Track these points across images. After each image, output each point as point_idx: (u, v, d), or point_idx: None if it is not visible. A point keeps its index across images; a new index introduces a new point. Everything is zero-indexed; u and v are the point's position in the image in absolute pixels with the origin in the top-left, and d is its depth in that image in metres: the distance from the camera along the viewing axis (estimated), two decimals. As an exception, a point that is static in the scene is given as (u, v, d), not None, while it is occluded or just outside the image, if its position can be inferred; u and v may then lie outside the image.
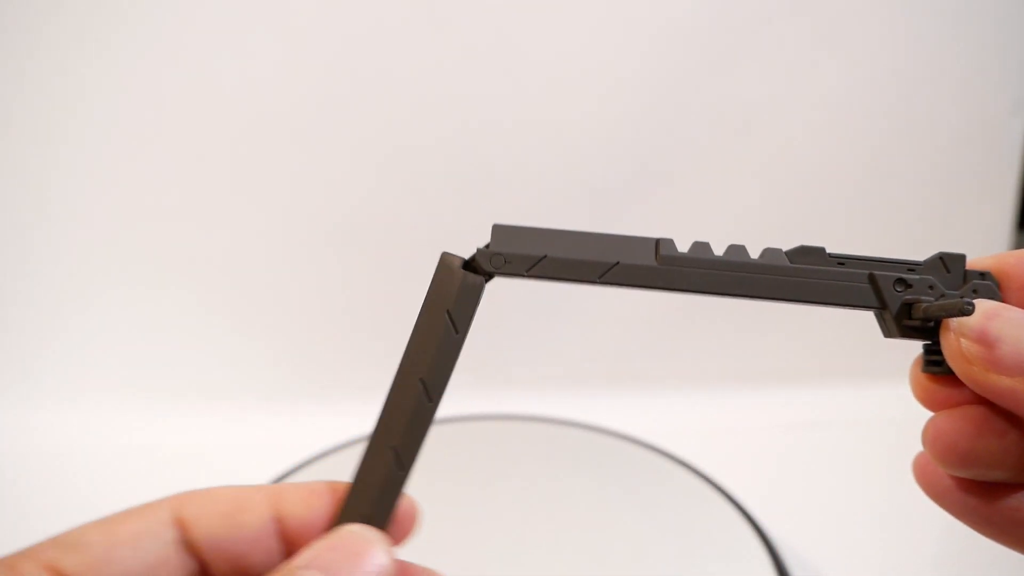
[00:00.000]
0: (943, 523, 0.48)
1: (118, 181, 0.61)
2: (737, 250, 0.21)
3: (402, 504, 0.21)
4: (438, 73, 0.60)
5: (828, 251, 0.21)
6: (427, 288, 0.21)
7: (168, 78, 0.59)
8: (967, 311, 0.19)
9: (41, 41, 0.57)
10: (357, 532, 0.19)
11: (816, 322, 0.65)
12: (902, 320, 0.21)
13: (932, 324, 0.21)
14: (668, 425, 0.57)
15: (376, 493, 0.20)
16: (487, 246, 0.21)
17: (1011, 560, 0.46)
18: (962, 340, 0.19)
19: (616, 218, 0.64)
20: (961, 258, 0.21)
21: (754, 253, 0.21)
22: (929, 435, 0.20)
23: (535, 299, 0.65)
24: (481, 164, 0.62)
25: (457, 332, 0.21)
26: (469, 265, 0.21)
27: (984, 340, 0.19)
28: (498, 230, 0.21)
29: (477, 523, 0.46)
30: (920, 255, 0.22)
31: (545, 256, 0.21)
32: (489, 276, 0.21)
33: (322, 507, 0.20)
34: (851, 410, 0.62)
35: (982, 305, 0.19)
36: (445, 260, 0.21)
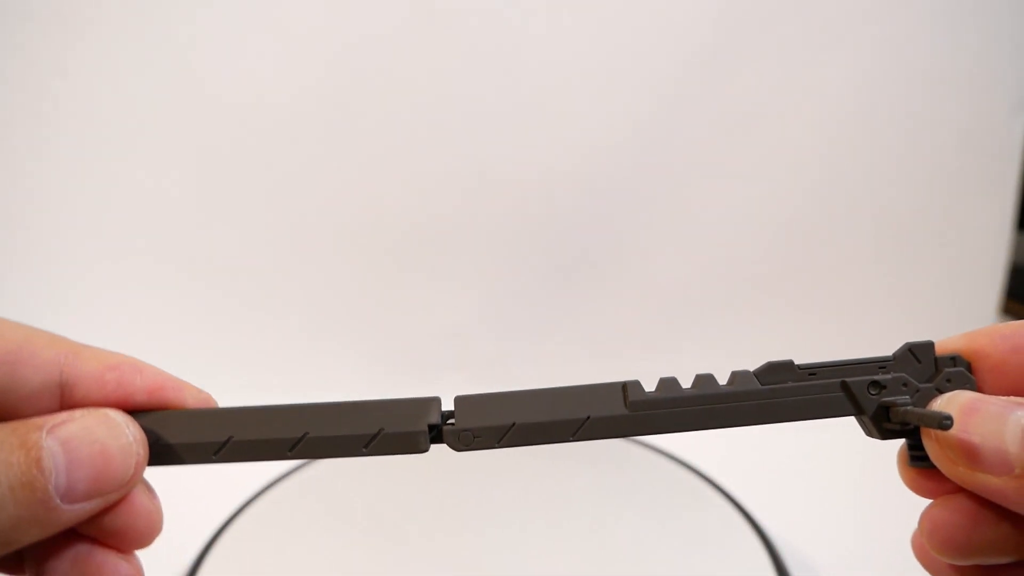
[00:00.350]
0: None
1: (118, 181, 0.61)
2: (706, 380, 0.21)
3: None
4: (438, 73, 0.60)
5: (797, 363, 0.21)
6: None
7: (169, 78, 0.59)
8: (945, 426, 0.19)
9: (42, 41, 0.57)
10: (115, 425, 0.18)
11: (817, 321, 0.65)
12: (881, 423, 0.21)
13: (911, 426, 0.21)
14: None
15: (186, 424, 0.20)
16: (451, 419, 0.21)
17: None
18: (942, 444, 0.19)
19: (616, 219, 0.64)
20: (929, 346, 0.21)
21: (722, 376, 0.21)
22: (926, 528, 0.20)
23: (535, 298, 0.65)
24: (481, 164, 0.62)
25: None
26: (436, 432, 0.21)
27: (964, 445, 0.19)
28: (461, 402, 0.21)
29: (477, 523, 0.46)
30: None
31: (514, 424, 0.21)
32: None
33: (113, 382, 0.19)
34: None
35: (958, 399, 0.19)
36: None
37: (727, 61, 0.61)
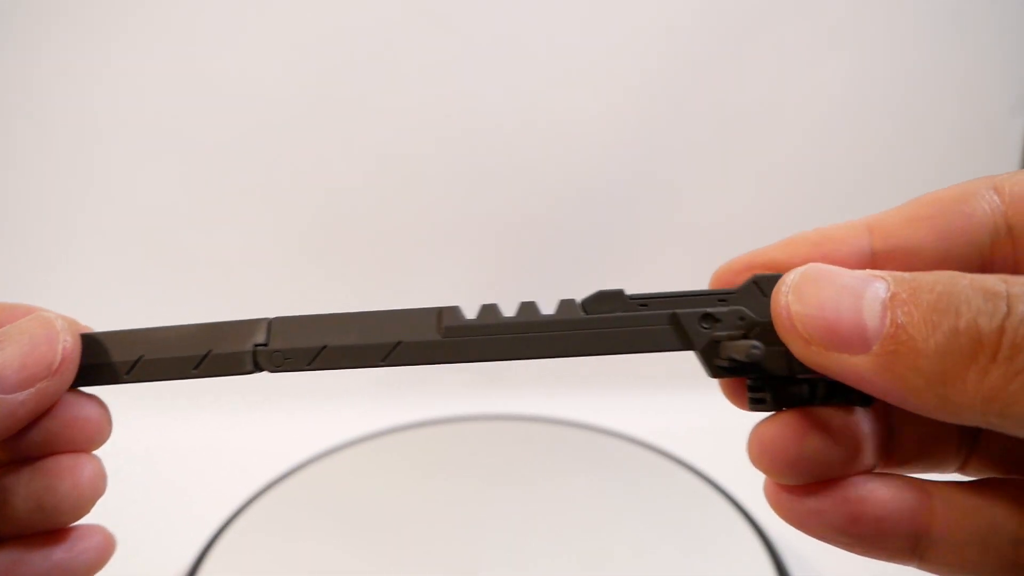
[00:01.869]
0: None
1: (119, 182, 0.61)
2: (528, 308, 0.20)
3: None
4: (437, 72, 0.60)
5: (628, 293, 0.20)
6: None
7: (171, 79, 0.59)
8: (753, 355, 0.18)
9: (42, 42, 0.57)
10: (44, 316, 0.19)
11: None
12: (712, 360, 0.19)
13: (740, 363, 0.19)
14: (668, 425, 0.57)
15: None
16: (265, 343, 0.20)
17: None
18: (795, 321, 0.17)
19: (616, 219, 0.64)
20: (777, 279, 0.19)
21: (554, 304, 0.20)
22: (754, 448, 0.19)
23: (535, 299, 0.65)
24: (480, 164, 0.62)
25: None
26: (255, 360, 0.20)
27: (817, 322, 0.17)
28: (277, 323, 0.21)
29: (477, 523, 0.46)
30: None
31: (325, 347, 0.20)
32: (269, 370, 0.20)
33: None
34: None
35: (810, 272, 0.17)
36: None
37: (726, 61, 0.61)
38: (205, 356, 0.20)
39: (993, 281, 0.15)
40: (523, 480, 0.51)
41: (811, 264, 0.18)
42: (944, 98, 0.64)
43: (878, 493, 0.18)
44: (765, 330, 0.19)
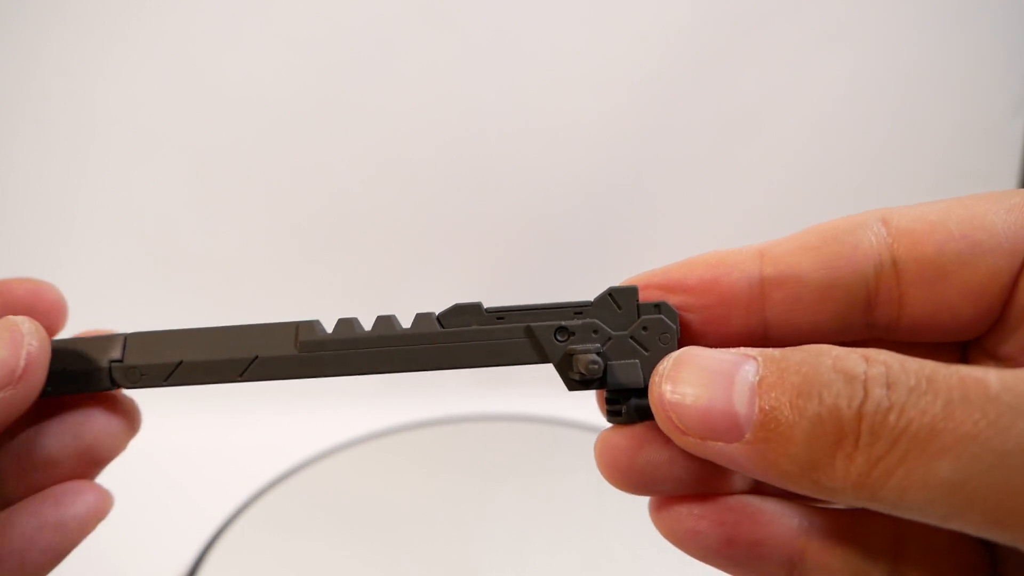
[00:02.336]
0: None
1: (119, 182, 0.61)
2: (384, 322, 0.20)
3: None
4: (437, 72, 0.60)
5: (486, 306, 0.20)
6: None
7: (171, 80, 0.59)
8: (592, 370, 0.18)
9: (45, 42, 0.57)
10: (9, 320, 0.18)
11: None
12: (567, 373, 0.20)
13: (596, 378, 0.19)
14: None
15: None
16: (120, 359, 0.20)
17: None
18: (670, 413, 0.17)
19: (615, 218, 0.64)
20: (632, 291, 0.20)
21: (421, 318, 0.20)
22: (596, 456, 0.19)
23: (534, 299, 0.65)
24: (481, 165, 0.62)
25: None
26: (111, 375, 0.20)
27: (694, 412, 0.16)
28: (132, 339, 0.20)
29: (477, 523, 0.46)
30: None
31: (181, 362, 0.20)
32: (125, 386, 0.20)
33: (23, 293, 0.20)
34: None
35: (681, 356, 0.17)
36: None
37: (726, 61, 0.61)
38: (60, 372, 0.20)
39: (854, 361, 0.15)
40: (523, 480, 0.51)
41: (684, 349, 0.18)
42: (944, 98, 0.64)
43: (756, 514, 0.18)
44: (618, 343, 0.19)
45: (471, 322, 0.20)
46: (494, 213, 0.63)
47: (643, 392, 0.19)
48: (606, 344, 0.19)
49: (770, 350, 0.16)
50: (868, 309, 0.19)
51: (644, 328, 0.19)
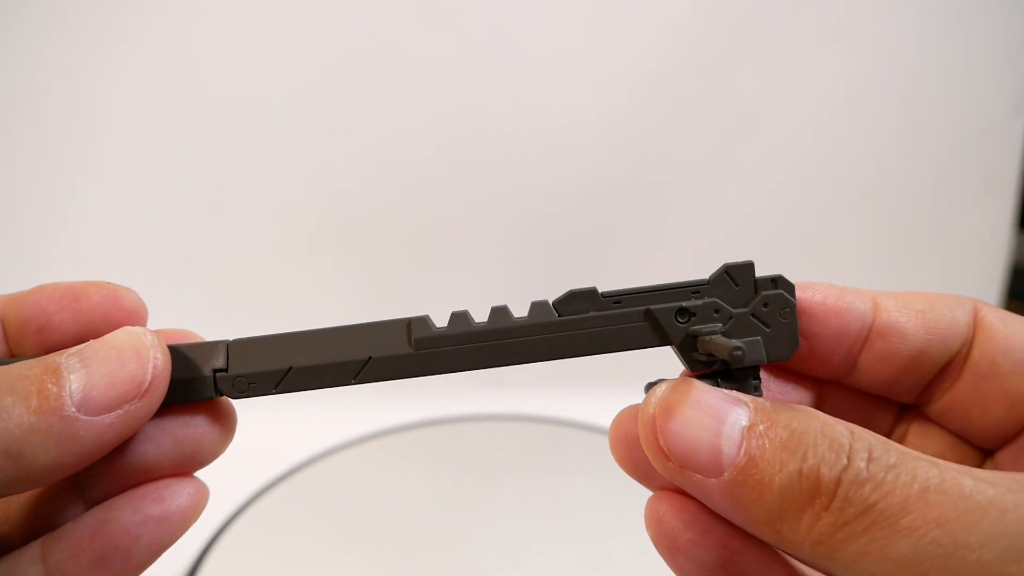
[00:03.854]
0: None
1: (118, 183, 0.61)
2: (500, 314, 0.20)
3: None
4: (438, 72, 0.60)
5: (601, 291, 0.20)
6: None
7: (173, 80, 0.59)
8: (737, 357, 0.18)
9: (47, 42, 0.57)
10: (133, 332, 0.18)
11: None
12: (690, 355, 0.19)
13: (721, 360, 0.19)
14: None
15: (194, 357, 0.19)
16: (225, 368, 0.19)
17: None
18: (659, 436, 0.18)
19: (616, 217, 0.64)
20: (749, 267, 0.19)
21: (524, 309, 0.20)
22: (648, 520, 0.20)
23: (534, 298, 0.65)
24: (483, 165, 0.62)
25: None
26: (216, 385, 0.19)
27: (677, 440, 0.17)
28: (235, 346, 0.19)
29: (477, 523, 0.46)
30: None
31: (291, 368, 0.19)
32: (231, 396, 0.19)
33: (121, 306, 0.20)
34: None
35: (675, 385, 0.18)
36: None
37: (727, 62, 0.61)
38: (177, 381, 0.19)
39: (840, 431, 0.16)
40: (523, 480, 0.51)
41: (683, 378, 0.18)
42: (944, 98, 0.64)
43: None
44: (740, 320, 0.19)
45: (588, 308, 0.20)
46: (496, 211, 0.63)
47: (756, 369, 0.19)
48: (728, 323, 0.19)
49: (762, 400, 0.17)
50: (934, 382, 0.20)
51: (764, 304, 0.19)
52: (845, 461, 0.15)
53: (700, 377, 0.19)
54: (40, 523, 0.19)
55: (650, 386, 0.19)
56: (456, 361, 0.19)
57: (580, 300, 0.20)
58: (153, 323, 0.21)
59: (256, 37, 0.59)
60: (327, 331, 0.20)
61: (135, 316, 0.20)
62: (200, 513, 0.19)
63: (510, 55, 0.60)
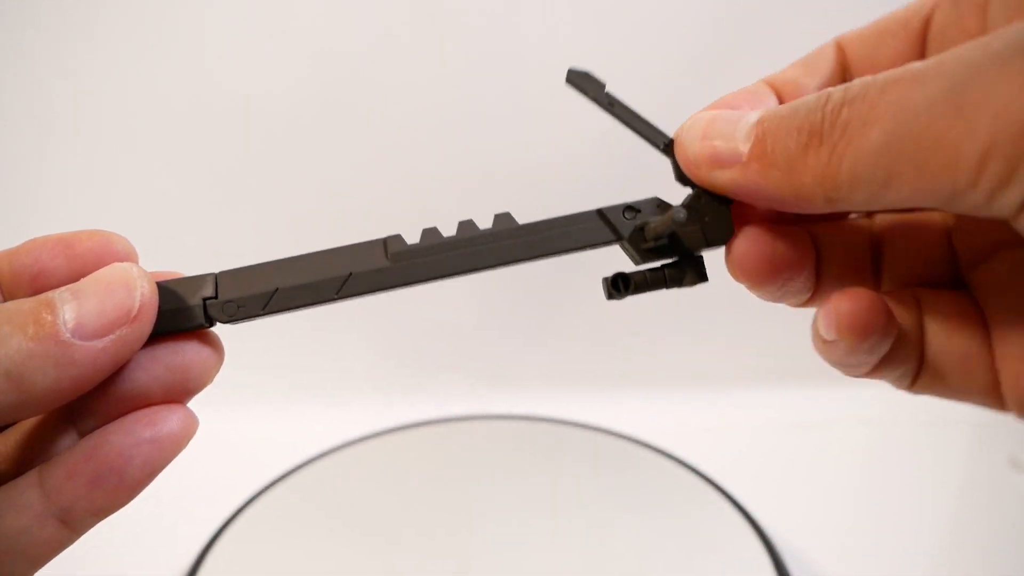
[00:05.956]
0: (942, 522, 0.48)
1: (120, 183, 0.61)
2: (467, 226, 0.22)
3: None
4: (440, 71, 0.60)
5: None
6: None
7: (175, 81, 0.59)
8: (678, 218, 0.20)
9: (49, 43, 0.57)
10: (121, 266, 0.19)
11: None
12: (639, 245, 0.22)
13: (665, 241, 0.21)
14: (668, 425, 0.57)
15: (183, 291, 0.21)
16: (215, 296, 0.21)
17: (1005, 558, 0.46)
18: (687, 150, 0.21)
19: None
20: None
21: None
22: (734, 260, 0.21)
23: (534, 298, 0.65)
24: (484, 166, 0.62)
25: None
26: (207, 312, 0.20)
27: (706, 151, 0.20)
28: (224, 276, 0.21)
29: (477, 523, 0.46)
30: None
31: (277, 289, 0.21)
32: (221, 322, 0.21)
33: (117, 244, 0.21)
34: (851, 410, 0.62)
35: (699, 116, 0.21)
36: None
37: (727, 62, 0.61)
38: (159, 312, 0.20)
39: (829, 87, 0.18)
40: (523, 480, 0.51)
41: (700, 112, 0.22)
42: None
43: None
44: (677, 214, 0.21)
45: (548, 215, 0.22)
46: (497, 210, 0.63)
47: (698, 258, 0.22)
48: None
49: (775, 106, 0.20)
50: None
51: (698, 197, 0.21)
52: (825, 98, 0.18)
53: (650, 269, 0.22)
54: (36, 455, 0.20)
55: (608, 280, 0.22)
56: (430, 270, 0.21)
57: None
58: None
59: (255, 37, 0.59)
60: (310, 255, 0.21)
61: (127, 260, 0.21)
62: (190, 438, 0.20)
63: (513, 56, 0.61)
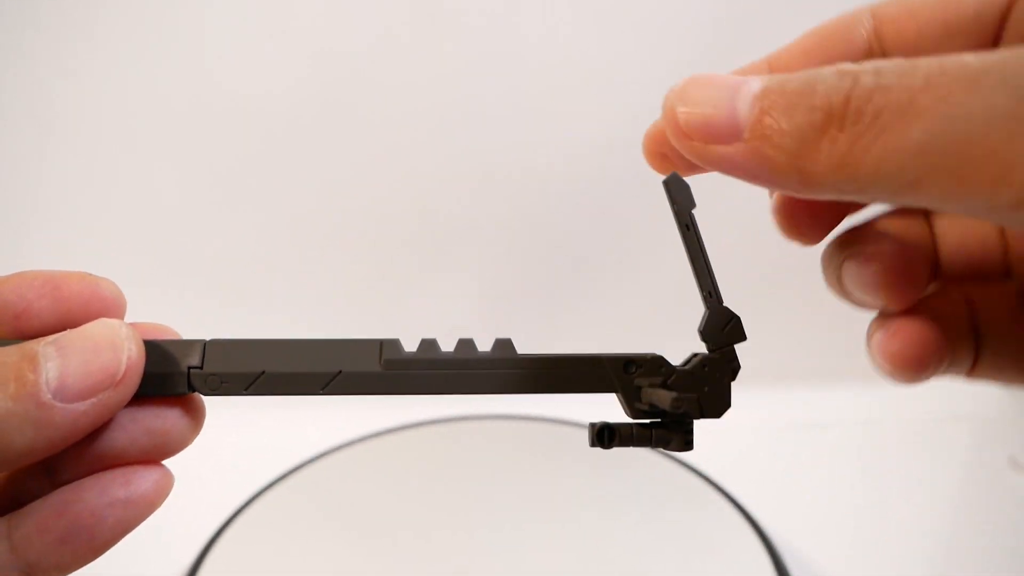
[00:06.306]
0: (942, 522, 0.48)
1: (119, 184, 0.61)
2: (465, 345, 0.21)
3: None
4: (441, 72, 0.60)
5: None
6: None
7: (175, 81, 0.59)
8: (677, 405, 0.19)
9: (51, 43, 0.57)
10: (109, 324, 0.19)
11: (818, 322, 0.65)
12: (633, 404, 0.21)
13: (659, 409, 0.20)
14: (668, 425, 0.57)
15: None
16: (200, 366, 0.20)
17: (1005, 558, 0.46)
18: (678, 119, 0.19)
19: (618, 217, 0.64)
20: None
21: (487, 344, 0.21)
22: (880, 347, 0.21)
23: (534, 299, 0.65)
24: (485, 168, 0.62)
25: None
26: (189, 381, 0.20)
27: (699, 120, 0.18)
28: (212, 346, 0.20)
29: (477, 523, 0.46)
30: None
31: (263, 372, 0.20)
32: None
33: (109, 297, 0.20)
34: (851, 410, 0.62)
35: (694, 77, 0.19)
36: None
37: (724, 61, 0.61)
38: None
39: (849, 64, 0.16)
40: (523, 480, 0.51)
41: (695, 73, 0.19)
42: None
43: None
44: (681, 377, 0.21)
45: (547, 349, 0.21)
46: (499, 215, 0.63)
47: (690, 425, 0.21)
48: (671, 379, 0.21)
49: (776, 75, 0.18)
50: None
51: (704, 366, 0.21)
52: (851, 81, 0.16)
53: (639, 425, 0.21)
54: (7, 502, 0.19)
55: (594, 428, 0.21)
56: (420, 384, 0.21)
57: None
58: (138, 319, 0.21)
59: (255, 37, 0.59)
60: (302, 342, 0.21)
61: (114, 307, 0.20)
62: (164, 499, 0.20)
63: (514, 57, 0.60)
